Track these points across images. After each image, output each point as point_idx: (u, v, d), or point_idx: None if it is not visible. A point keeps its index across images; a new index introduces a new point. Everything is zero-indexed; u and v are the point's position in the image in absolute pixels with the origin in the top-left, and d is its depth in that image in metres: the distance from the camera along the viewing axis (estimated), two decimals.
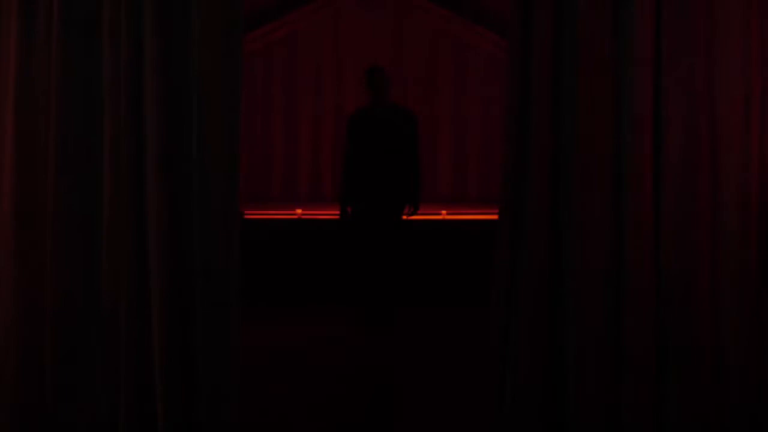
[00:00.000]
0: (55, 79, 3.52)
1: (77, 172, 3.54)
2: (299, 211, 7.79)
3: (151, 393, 3.49)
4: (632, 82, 3.51)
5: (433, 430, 4.31)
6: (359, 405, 4.76)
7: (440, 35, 9.13)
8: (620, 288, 3.53)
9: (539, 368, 3.53)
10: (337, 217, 6.41)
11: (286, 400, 4.70)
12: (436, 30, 9.09)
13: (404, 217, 6.27)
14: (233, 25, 3.48)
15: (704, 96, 3.54)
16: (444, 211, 7.66)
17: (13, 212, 3.56)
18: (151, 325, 3.48)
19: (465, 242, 7.19)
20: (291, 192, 9.23)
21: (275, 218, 7.68)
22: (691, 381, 3.52)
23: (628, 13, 3.51)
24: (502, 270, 3.56)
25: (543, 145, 3.52)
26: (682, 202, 3.52)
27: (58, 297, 3.54)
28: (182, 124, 3.49)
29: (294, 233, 7.37)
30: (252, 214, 7.45)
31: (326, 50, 9.23)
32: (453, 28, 9.00)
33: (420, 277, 7.03)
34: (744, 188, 3.55)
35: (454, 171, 9.22)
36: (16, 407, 3.57)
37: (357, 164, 6.19)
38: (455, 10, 8.90)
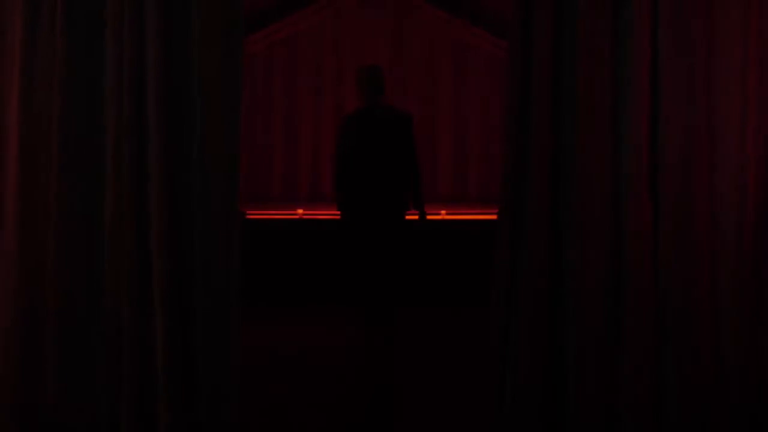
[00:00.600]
0: (59, 79, 3.52)
1: (80, 172, 3.54)
2: (300, 211, 7.79)
3: (152, 393, 3.50)
4: (630, 82, 3.51)
5: (433, 430, 4.31)
6: (359, 405, 4.76)
7: (440, 35, 9.13)
8: (620, 288, 3.53)
9: (539, 368, 3.53)
10: (338, 217, 6.38)
11: (286, 400, 4.71)
12: (436, 30, 9.09)
13: (408, 217, 6.21)
14: (233, 25, 3.48)
15: (703, 96, 3.54)
16: (443, 211, 7.66)
17: (15, 212, 3.56)
18: (152, 325, 3.48)
19: (465, 242, 7.19)
20: (291, 192, 9.23)
21: (276, 218, 7.68)
22: (691, 381, 3.52)
23: (627, 13, 3.51)
24: (502, 270, 3.56)
25: (543, 145, 3.52)
26: (682, 202, 3.52)
27: (59, 297, 3.54)
28: (183, 124, 3.50)
29: (295, 233, 7.38)
30: (254, 214, 7.45)
31: (326, 50, 9.24)
32: (452, 28, 8.99)
33: (419, 277, 7.02)
34: (742, 188, 3.55)
35: (454, 171, 9.22)
36: (16, 407, 3.58)
37: (353, 170, 6.08)
38: (453, 11, 8.89)
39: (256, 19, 8.58)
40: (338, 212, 6.31)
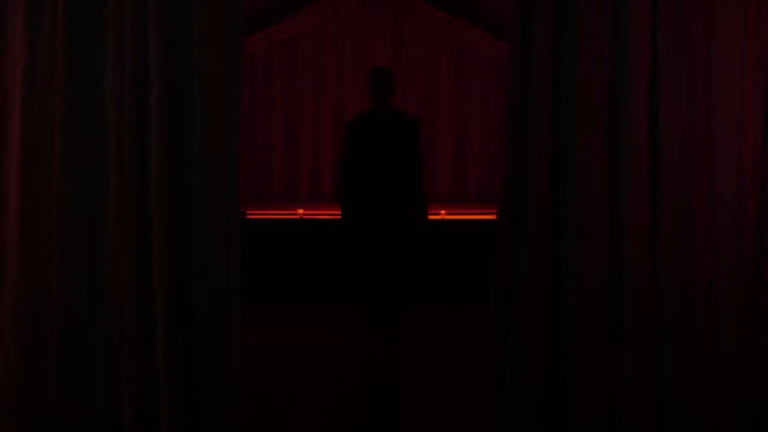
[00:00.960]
0: (60, 79, 3.52)
1: (81, 172, 3.55)
2: (301, 211, 7.79)
3: (152, 393, 3.49)
4: (630, 82, 3.51)
5: (433, 430, 4.31)
6: (359, 405, 4.76)
7: (440, 35, 9.12)
8: (620, 288, 3.53)
9: (539, 368, 3.53)
10: (339, 217, 6.34)
11: (286, 400, 4.71)
12: (436, 30, 9.08)
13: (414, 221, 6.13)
14: (233, 25, 3.48)
15: (703, 96, 3.55)
16: (443, 211, 7.66)
17: (18, 212, 3.56)
18: (152, 325, 3.48)
19: (465, 242, 7.19)
20: (291, 192, 9.23)
21: (277, 218, 7.68)
22: (691, 381, 3.52)
23: (626, 13, 3.51)
24: (502, 270, 3.56)
25: (543, 145, 3.52)
26: (681, 202, 3.53)
27: (61, 297, 3.54)
28: (183, 124, 3.50)
29: (296, 233, 7.37)
30: (254, 214, 7.45)
31: (326, 50, 9.23)
32: (452, 28, 8.98)
33: (419, 277, 7.01)
34: (741, 188, 3.55)
35: (454, 171, 9.22)
36: (17, 407, 3.58)
37: (355, 172, 6.02)
38: (453, 12, 8.86)
39: (257, 20, 8.57)
40: (339, 213, 6.27)
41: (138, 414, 3.48)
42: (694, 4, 3.53)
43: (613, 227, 3.53)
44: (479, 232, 7.10)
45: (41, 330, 3.58)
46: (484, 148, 9.17)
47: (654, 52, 3.52)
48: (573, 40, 3.51)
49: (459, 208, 8.10)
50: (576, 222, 3.52)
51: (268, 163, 9.24)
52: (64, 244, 3.53)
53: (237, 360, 3.50)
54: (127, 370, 3.49)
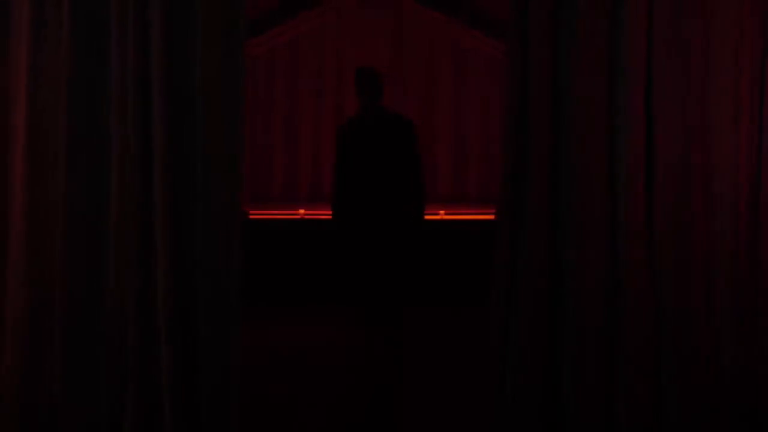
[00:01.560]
0: (63, 77, 3.53)
1: (83, 172, 3.55)
2: (302, 211, 7.79)
3: (153, 393, 3.50)
4: (628, 82, 3.51)
5: (433, 430, 4.31)
6: (359, 405, 4.76)
7: (440, 35, 9.12)
8: (620, 288, 3.53)
9: (539, 368, 3.53)
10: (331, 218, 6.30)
11: (286, 400, 4.71)
12: (436, 30, 9.08)
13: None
14: (233, 25, 3.49)
15: (700, 95, 3.55)
16: (442, 211, 7.66)
17: (21, 211, 3.56)
18: (153, 325, 3.49)
19: (465, 242, 7.19)
20: (291, 192, 9.23)
21: (278, 218, 7.68)
22: (690, 381, 3.52)
23: (624, 13, 3.51)
24: (502, 270, 3.56)
25: (543, 145, 3.52)
26: (680, 202, 3.53)
27: (62, 297, 3.54)
28: (184, 124, 3.50)
29: (296, 233, 7.37)
30: (256, 214, 7.46)
31: (327, 51, 9.24)
32: (452, 28, 8.97)
33: (419, 277, 6.99)
34: (738, 188, 3.56)
35: (453, 171, 9.22)
36: (18, 407, 3.57)
37: (354, 177, 5.94)
38: (453, 13, 8.83)
39: (259, 23, 8.56)
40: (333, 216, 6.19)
41: (138, 414, 3.48)
42: (692, 5, 3.54)
43: (613, 227, 3.53)
44: (479, 232, 7.10)
45: (42, 330, 3.58)
46: (484, 148, 9.17)
47: (652, 53, 3.52)
48: (572, 40, 3.52)
49: (458, 208, 8.09)
50: (576, 222, 3.52)
51: (268, 163, 9.24)
52: (66, 243, 3.53)
53: (237, 360, 3.51)
54: (127, 370, 3.50)
